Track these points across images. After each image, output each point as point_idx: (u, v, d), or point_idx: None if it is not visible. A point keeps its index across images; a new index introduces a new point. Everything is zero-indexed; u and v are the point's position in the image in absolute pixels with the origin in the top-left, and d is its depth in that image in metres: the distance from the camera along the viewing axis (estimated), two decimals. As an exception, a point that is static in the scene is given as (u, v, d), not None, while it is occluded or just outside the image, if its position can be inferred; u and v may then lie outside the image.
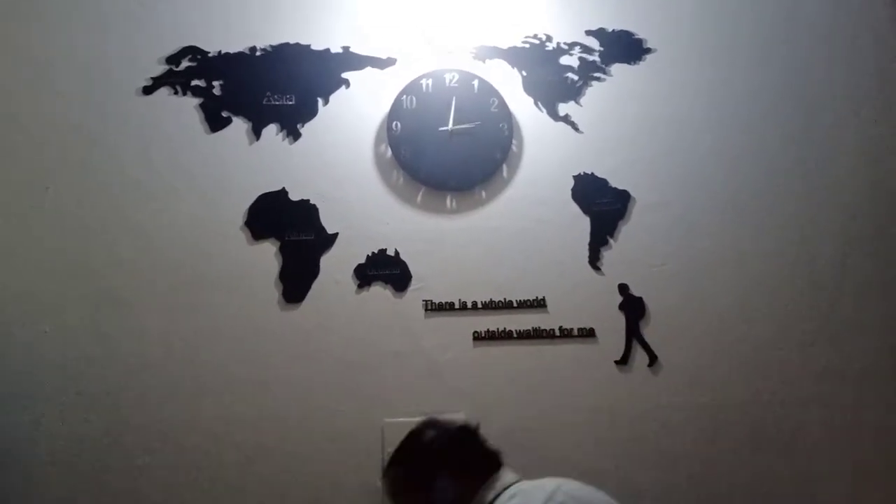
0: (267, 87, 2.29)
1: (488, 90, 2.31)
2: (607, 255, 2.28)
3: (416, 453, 1.60)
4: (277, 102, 2.29)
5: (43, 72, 2.25)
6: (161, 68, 2.27)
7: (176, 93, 2.27)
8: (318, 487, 2.12)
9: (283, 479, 2.12)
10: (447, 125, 2.27)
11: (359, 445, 2.14)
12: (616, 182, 2.31)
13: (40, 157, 2.21)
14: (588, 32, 2.38)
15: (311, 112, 2.30)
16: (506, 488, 1.48)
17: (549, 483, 1.45)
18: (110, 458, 2.09)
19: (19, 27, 2.26)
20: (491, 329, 2.22)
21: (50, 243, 2.18)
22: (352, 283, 2.23)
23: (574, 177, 2.31)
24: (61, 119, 2.23)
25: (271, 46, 2.31)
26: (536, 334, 2.23)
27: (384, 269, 2.23)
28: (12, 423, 2.10)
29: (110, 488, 2.08)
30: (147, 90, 2.26)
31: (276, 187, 2.26)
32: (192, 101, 2.27)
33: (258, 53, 2.30)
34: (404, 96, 2.29)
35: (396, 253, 2.25)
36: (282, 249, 2.22)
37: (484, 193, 2.30)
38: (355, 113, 2.30)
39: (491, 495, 1.48)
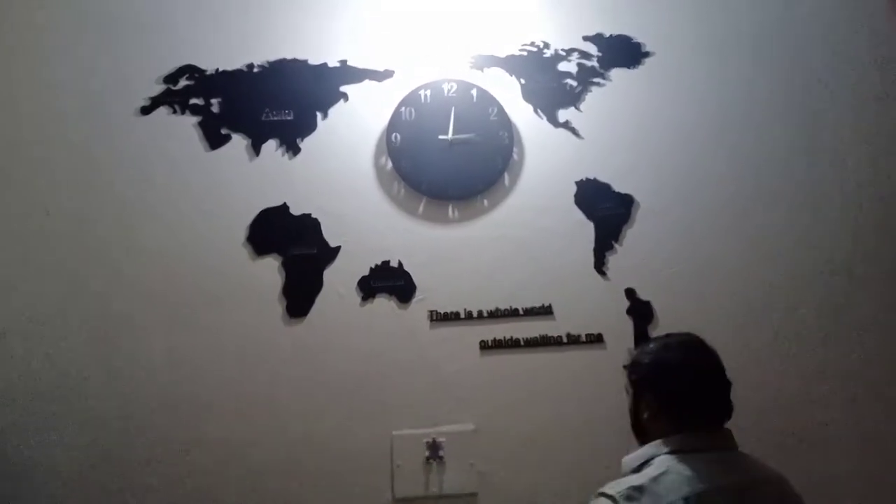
0: (265, 103, 2.29)
1: (487, 99, 2.30)
2: (613, 260, 2.26)
3: (636, 362, 1.48)
4: (276, 118, 2.29)
5: (42, 94, 2.26)
6: (159, 88, 2.28)
7: (174, 112, 2.28)
8: (326, 502, 2.09)
9: (290, 494, 2.10)
10: (447, 135, 2.26)
11: (367, 458, 2.12)
12: (619, 187, 2.29)
13: (41, 179, 2.22)
14: (586, 38, 2.37)
15: (310, 126, 2.29)
16: (652, 458, 1.32)
17: (683, 486, 1.24)
18: (116, 478, 2.08)
19: (18, 50, 2.28)
20: (497, 337, 2.20)
21: (51, 265, 2.18)
22: (356, 296, 2.21)
23: (576, 183, 2.29)
24: (61, 141, 2.24)
25: (268, 62, 2.31)
26: (544, 342, 2.20)
27: (388, 281, 2.22)
28: (18, 444, 2.09)
29: (117, 511, 2.07)
30: (145, 110, 2.27)
31: (277, 202, 2.25)
32: (190, 120, 2.27)
33: (256, 70, 2.31)
34: (403, 108, 2.29)
35: (400, 264, 2.23)
36: (284, 264, 2.21)
37: (486, 202, 2.29)
38: (355, 126, 2.30)
39: (642, 458, 1.35)
